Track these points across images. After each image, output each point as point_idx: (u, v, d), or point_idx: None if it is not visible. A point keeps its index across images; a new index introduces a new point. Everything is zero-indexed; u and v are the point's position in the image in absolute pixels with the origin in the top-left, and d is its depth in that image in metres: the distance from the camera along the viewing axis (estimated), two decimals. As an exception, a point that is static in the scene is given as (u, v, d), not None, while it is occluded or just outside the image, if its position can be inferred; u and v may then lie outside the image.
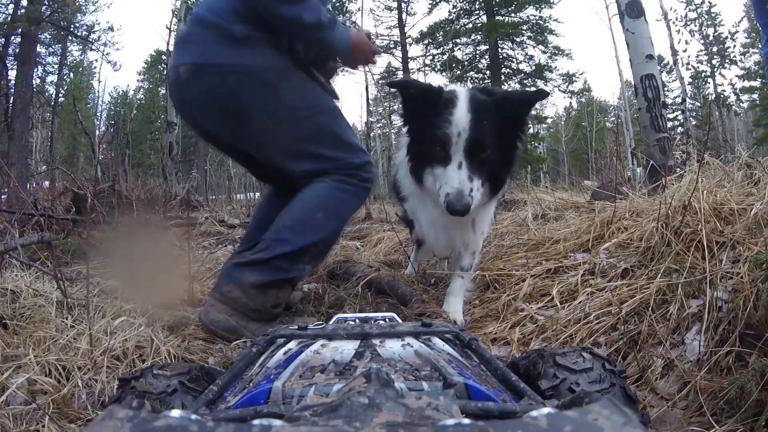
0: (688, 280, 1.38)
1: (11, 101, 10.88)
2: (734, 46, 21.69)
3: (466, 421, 0.37)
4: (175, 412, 0.40)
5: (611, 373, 0.78)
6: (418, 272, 2.30)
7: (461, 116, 1.50)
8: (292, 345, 0.77)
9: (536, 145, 15.38)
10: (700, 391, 1.05)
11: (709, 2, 20.64)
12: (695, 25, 20.46)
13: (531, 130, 12.97)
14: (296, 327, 0.83)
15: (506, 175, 1.66)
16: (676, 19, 19.27)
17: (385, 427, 0.36)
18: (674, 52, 14.56)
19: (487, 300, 1.83)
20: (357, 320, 0.93)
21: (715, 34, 20.95)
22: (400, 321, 0.94)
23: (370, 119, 17.81)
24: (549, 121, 24.61)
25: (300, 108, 1.63)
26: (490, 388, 0.61)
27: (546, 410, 0.39)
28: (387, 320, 0.94)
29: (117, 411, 0.38)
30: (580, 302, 1.48)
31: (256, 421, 0.40)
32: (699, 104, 23.58)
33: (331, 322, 0.91)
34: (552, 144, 27.90)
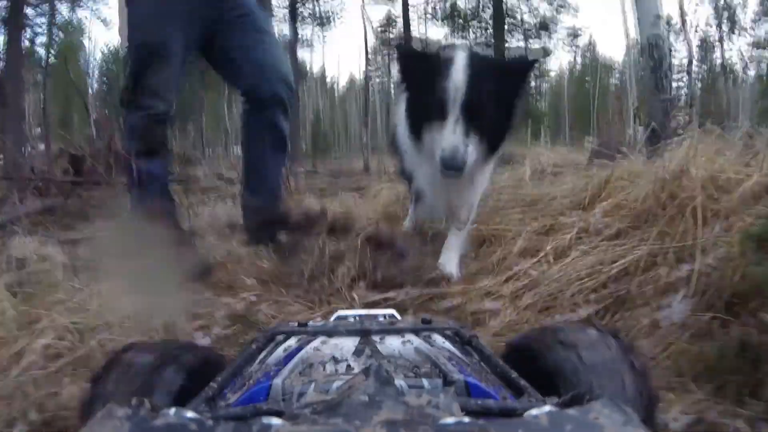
0: (679, 245, 1.42)
1: (2, 67, 10.66)
2: (745, 14, 21.11)
3: (467, 419, 0.38)
4: (175, 411, 0.41)
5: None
6: (417, 227, 2.31)
7: (458, 75, 1.51)
8: (292, 342, 0.77)
9: (537, 98, 15.24)
10: (683, 353, 1.10)
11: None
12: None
13: (533, 84, 12.78)
14: (296, 324, 0.83)
15: (504, 134, 1.67)
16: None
17: (385, 425, 0.36)
18: (683, 14, 14.18)
19: (483, 255, 1.88)
20: (357, 317, 0.93)
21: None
22: (399, 317, 0.95)
23: (369, 68, 17.46)
24: (552, 74, 24.27)
25: None
26: (490, 385, 0.62)
27: (547, 408, 0.40)
28: (387, 317, 0.94)
29: (116, 410, 0.39)
30: (572, 260, 1.52)
31: (256, 419, 0.41)
32: (706, 68, 23.19)
33: (330, 319, 0.92)
34: (554, 100, 27.59)
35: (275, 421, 0.40)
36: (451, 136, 1.50)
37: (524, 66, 1.69)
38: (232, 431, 0.37)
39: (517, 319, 1.34)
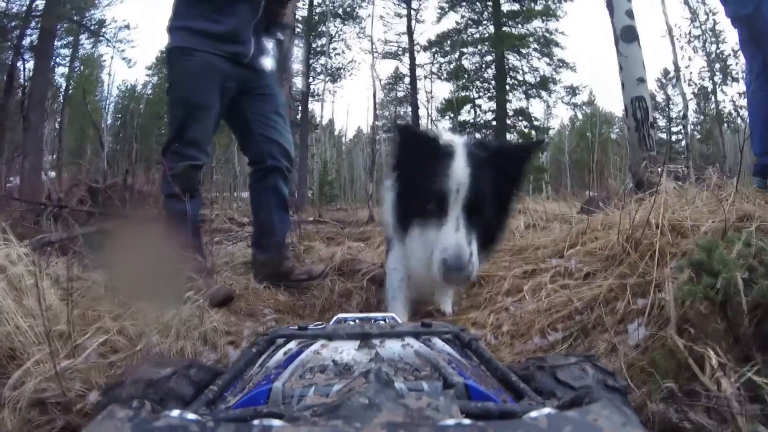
0: (637, 281, 1.67)
1: (27, 94, 11.09)
2: (736, 63, 21.93)
3: (466, 421, 0.39)
4: (176, 412, 0.41)
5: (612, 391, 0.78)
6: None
7: (460, 169, 1.39)
8: (292, 345, 0.78)
9: (538, 155, 15.70)
10: (632, 367, 1.34)
11: (714, 20, 20.94)
12: (699, 42, 20.73)
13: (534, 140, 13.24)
14: (296, 327, 0.84)
15: (500, 235, 1.59)
16: (680, 35, 19.51)
17: (385, 427, 0.37)
18: (677, 68, 14.88)
19: (473, 294, 2.13)
20: (357, 320, 0.92)
21: (718, 51, 21.23)
22: (400, 321, 0.94)
23: (377, 123, 18.13)
24: (551, 132, 24.91)
25: None
26: (489, 388, 0.62)
27: (546, 411, 0.41)
28: (387, 320, 0.93)
29: (117, 411, 0.39)
30: (547, 296, 1.76)
31: (256, 421, 0.41)
32: (701, 116, 23.78)
33: (331, 322, 0.91)
34: (556, 153, 28.21)
35: (276, 423, 0.40)
36: (453, 239, 1.35)
37: (526, 150, 1.56)
38: None
39: (496, 343, 1.58)
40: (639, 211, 2.07)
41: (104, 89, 26.56)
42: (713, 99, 22.43)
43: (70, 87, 19.68)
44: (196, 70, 2.24)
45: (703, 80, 21.88)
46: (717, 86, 21.28)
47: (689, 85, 21.58)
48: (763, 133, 2.75)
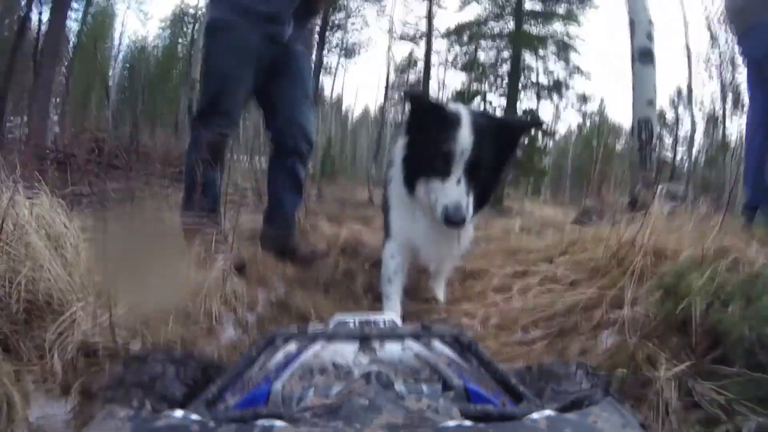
0: (615, 294, 1.86)
1: (41, 45, 10.95)
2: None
3: (466, 423, 0.39)
4: (177, 413, 0.42)
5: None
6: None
7: (465, 136, 1.61)
8: (292, 346, 0.78)
9: (542, 155, 15.82)
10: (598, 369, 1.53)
11: (734, 50, 21.03)
12: (715, 68, 20.82)
13: (539, 143, 13.33)
14: (296, 328, 0.85)
15: (492, 194, 1.83)
16: (698, 59, 19.55)
17: (385, 428, 0.37)
18: (690, 91, 15.07)
19: (467, 287, 2.33)
20: (356, 322, 0.92)
21: (732, 80, 21.34)
22: (399, 323, 0.95)
23: (387, 104, 18.20)
24: (557, 137, 25.04)
25: None
26: (489, 391, 0.63)
27: (546, 413, 0.41)
28: (386, 322, 0.93)
29: (118, 411, 0.40)
30: (534, 297, 1.96)
31: (257, 422, 0.42)
32: (708, 140, 23.96)
33: (330, 324, 0.92)
34: (559, 158, 28.43)
35: (277, 423, 0.41)
36: (455, 191, 1.62)
37: (523, 126, 1.82)
38: None
39: (484, 333, 1.78)
40: (628, 230, 2.26)
41: (114, 39, 26.18)
42: (722, 126, 22.66)
43: (82, 35, 19.42)
44: (235, 45, 2.35)
45: (715, 106, 22.06)
46: (726, 114, 21.52)
47: (699, 109, 21.74)
48: (754, 174, 2.89)
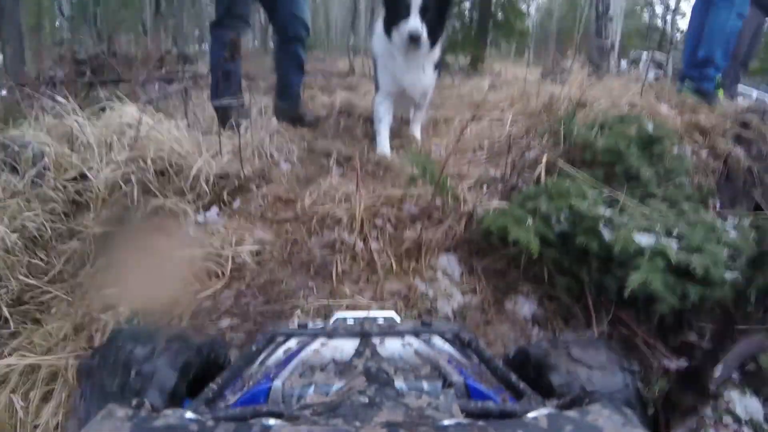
0: (538, 130, 2.67)
1: None
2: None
3: (466, 420, 0.41)
4: (176, 412, 0.43)
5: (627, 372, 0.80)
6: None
7: None
8: (292, 343, 0.77)
9: (523, 19, 15.58)
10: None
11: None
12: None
13: (519, 4, 13.15)
14: (296, 325, 0.84)
15: (441, 31, 2.47)
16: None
17: (385, 426, 0.38)
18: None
19: (437, 130, 3.07)
20: (356, 319, 0.91)
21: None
22: (399, 320, 0.93)
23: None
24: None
25: None
26: (489, 387, 0.64)
27: (546, 410, 0.42)
28: (386, 319, 0.92)
29: (116, 410, 0.41)
30: (481, 129, 2.73)
31: (256, 420, 0.42)
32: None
33: (330, 321, 0.90)
34: (545, 19, 27.72)
35: (276, 422, 0.42)
36: (413, 21, 2.31)
37: None
38: None
39: (445, 155, 2.43)
40: (566, 88, 2.99)
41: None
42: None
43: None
44: None
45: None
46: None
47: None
48: (690, 50, 3.24)
